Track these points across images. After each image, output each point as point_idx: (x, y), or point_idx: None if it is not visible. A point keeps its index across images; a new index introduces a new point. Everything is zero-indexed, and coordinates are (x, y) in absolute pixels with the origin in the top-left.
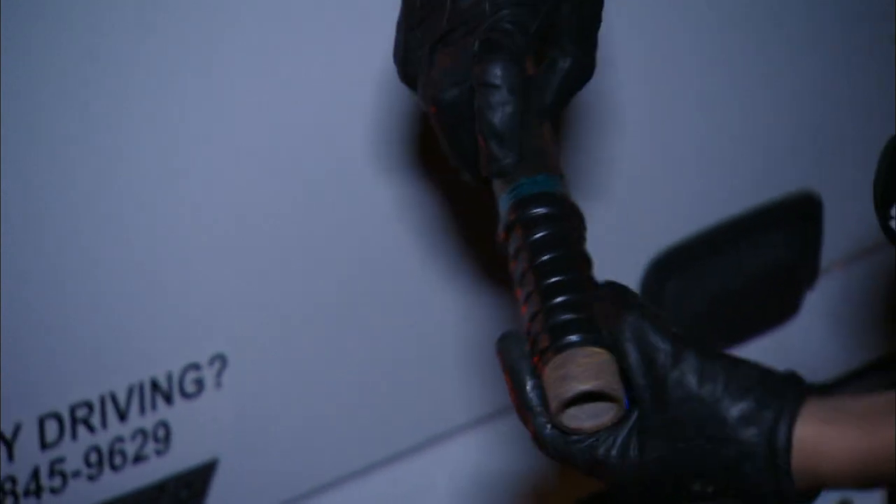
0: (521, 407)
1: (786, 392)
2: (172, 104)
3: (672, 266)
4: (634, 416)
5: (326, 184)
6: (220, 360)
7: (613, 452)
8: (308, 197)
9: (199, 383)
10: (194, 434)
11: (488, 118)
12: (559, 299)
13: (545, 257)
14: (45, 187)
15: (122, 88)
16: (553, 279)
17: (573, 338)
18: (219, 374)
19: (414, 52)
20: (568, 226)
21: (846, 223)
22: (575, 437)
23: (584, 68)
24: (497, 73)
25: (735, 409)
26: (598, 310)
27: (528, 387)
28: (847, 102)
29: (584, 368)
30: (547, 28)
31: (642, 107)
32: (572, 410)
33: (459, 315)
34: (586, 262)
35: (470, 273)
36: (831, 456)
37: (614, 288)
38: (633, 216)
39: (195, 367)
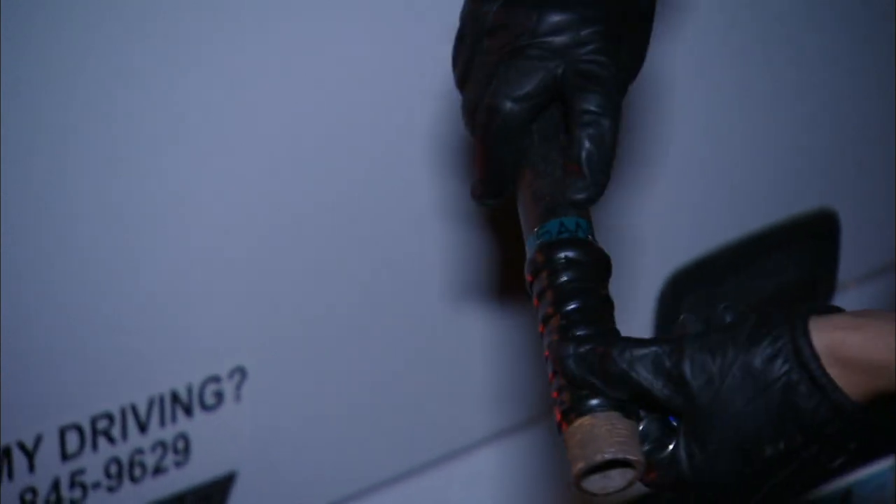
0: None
1: (789, 317)
2: (194, 112)
3: (689, 282)
4: (681, 427)
5: (348, 195)
6: (240, 372)
7: (684, 468)
8: (329, 209)
9: (219, 396)
10: (213, 446)
11: (588, 146)
12: None
13: (571, 306)
14: (66, 200)
15: (147, 96)
16: (580, 330)
17: (597, 401)
18: (238, 386)
19: (478, 60)
20: (593, 272)
21: (863, 241)
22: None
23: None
24: (600, 102)
25: (755, 357)
26: (595, 368)
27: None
28: (865, 120)
29: (612, 437)
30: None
31: (660, 125)
32: (593, 476)
33: (482, 327)
34: (608, 309)
35: (493, 287)
36: (871, 359)
37: (597, 339)
38: (651, 232)
39: (215, 379)
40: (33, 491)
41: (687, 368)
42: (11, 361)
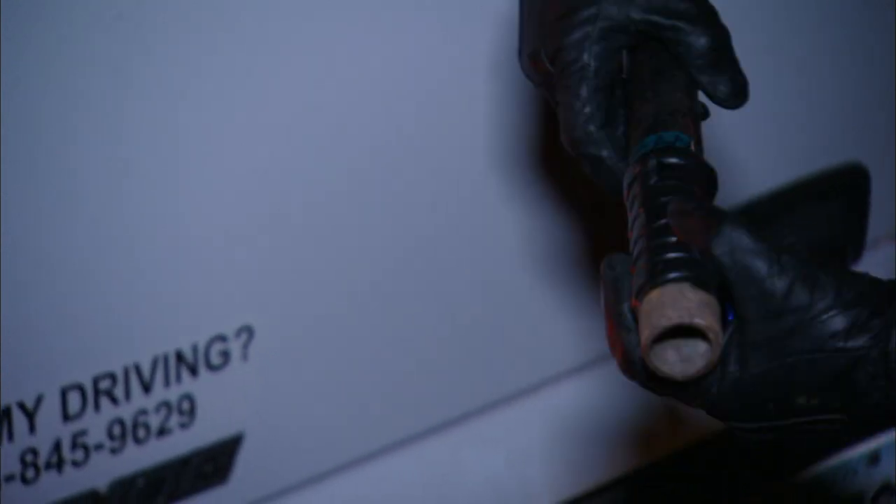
0: (614, 324)
1: (892, 303)
2: (208, 76)
3: None
4: (731, 328)
5: (362, 155)
6: (247, 331)
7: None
8: (344, 164)
9: (225, 355)
10: (220, 407)
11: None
12: (666, 238)
13: (658, 201)
14: (66, 162)
15: (152, 62)
16: (662, 221)
17: (673, 274)
18: (245, 346)
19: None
20: (692, 177)
21: (894, 196)
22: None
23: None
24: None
25: (846, 318)
26: (690, 229)
27: (626, 306)
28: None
29: (680, 303)
30: None
31: None
32: (664, 350)
33: (494, 289)
34: None
35: (510, 244)
36: None
37: (704, 206)
38: None
39: (221, 338)
40: (34, 452)
41: (781, 289)
42: (12, 320)
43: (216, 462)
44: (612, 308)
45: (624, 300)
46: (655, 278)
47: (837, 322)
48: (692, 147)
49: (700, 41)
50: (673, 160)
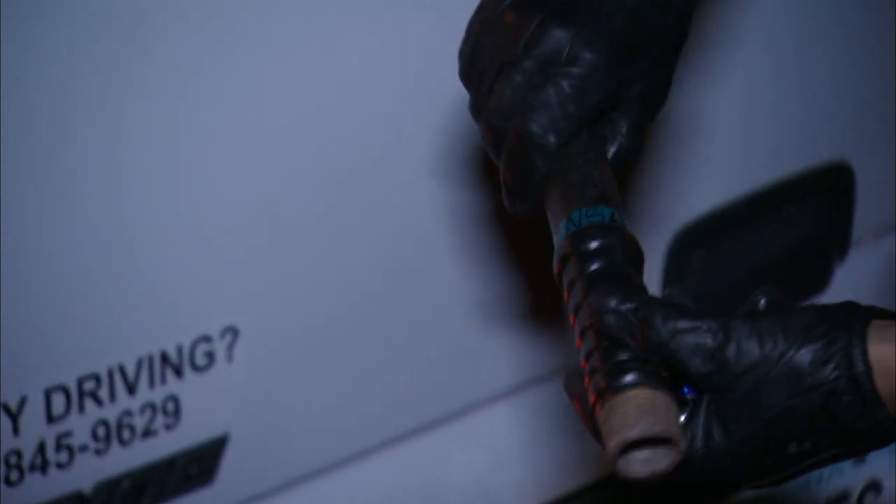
0: (597, 434)
1: (848, 319)
2: (204, 67)
3: (699, 237)
4: (704, 404)
5: (347, 157)
6: (232, 332)
7: (698, 445)
8: (327, 166)
9: (210, 356)
10: (205, 408)
11: (531, 129)
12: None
13: (601, 288)
14: (50, 157)
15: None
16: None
17: (629, 378)
18: (230, 346)
19: (481, 58)
20: (624, 259)
21: (879, 195)
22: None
23: (630, 154)
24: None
25: (805, 355)
26: (633, 331)
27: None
28: (881, 71)
29: (640, 412)
30: (608, 106)
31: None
32: (631, 454)
33: (484, 285)
34: (645, 293)
35: (499, 246)
36: None
37: (632, 304)
38: (660, 185)
39: (206, 339)
40: (18, 454)
41: (731, 353)
42: None
43: (201, 463)
44: (592, 425)
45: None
46: (612, 382)
47: (797, 361)
48: (622, 222)
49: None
50: (610, 243)
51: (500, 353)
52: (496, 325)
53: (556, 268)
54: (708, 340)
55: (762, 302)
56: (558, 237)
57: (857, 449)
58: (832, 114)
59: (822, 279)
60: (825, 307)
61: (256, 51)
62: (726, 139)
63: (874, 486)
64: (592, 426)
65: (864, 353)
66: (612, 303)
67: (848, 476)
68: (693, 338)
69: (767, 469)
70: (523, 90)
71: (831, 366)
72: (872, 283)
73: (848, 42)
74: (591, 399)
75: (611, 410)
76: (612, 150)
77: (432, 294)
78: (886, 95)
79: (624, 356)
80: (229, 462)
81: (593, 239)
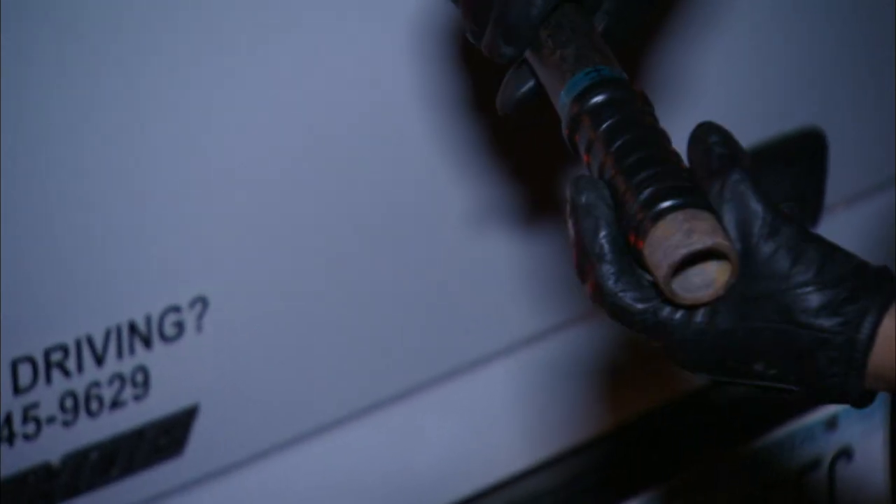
0: (585, 252)
1: (879, 285)
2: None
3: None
4: None
5: (316, 118)
6: (202, 302)
7: (678, 315)
8: (297, 132)
9: (180, 326)
10: (174, 379)
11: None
12: (646, 173)
13: (621, 140)
14: (14, 127)
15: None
16: (635, 156)
17: (670, 202)
18: (200, 316)
19: None
20: (637, 107)
21: (852, 161)
22: (640, 295)
23: (623, 26)
24: None
25: (822, 296)
26: (696, 167)
27: (602, 233)
28: (854, 36)
29: (691, 228)
30: None
31: (643, 43)
32: (684, 277)
33: (457, 254)
34: (665, 136)
35: (475, 208)
36: None
37: (718, 147)
38: None
39: (175, 309)
40: None
41: (765, 251)
42: None
43: (171, 435)
44: (587, 237)
45: (601, 229)
46: (652, 210)
47: (811, 299)
48: (622, 74)
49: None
50: (618, 94)
51: (474, 320)
52: (470, 292)
53: (566, 132)
54: (757, 225)
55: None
56: (563, 101)
57: (812, 395)
58: (805, 80)
59: None
60: (865, 266)
61: (220, 27)
62: (698, 105)
63: (846, 453)
64: (581, 239)
65: (875, 325)
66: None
67: (820, 443)
68: (749, 208)
69: (725, 370)
70: None
71: (838, 320)
72: (844, 247)
73: (821, 8)
74: (630, 237)
75: (656, 234)
76: (601, 26)
77: (405, 261)
78: (860, 62)
79: (660, 185)
80: (199, 433)
81: (600, 93)
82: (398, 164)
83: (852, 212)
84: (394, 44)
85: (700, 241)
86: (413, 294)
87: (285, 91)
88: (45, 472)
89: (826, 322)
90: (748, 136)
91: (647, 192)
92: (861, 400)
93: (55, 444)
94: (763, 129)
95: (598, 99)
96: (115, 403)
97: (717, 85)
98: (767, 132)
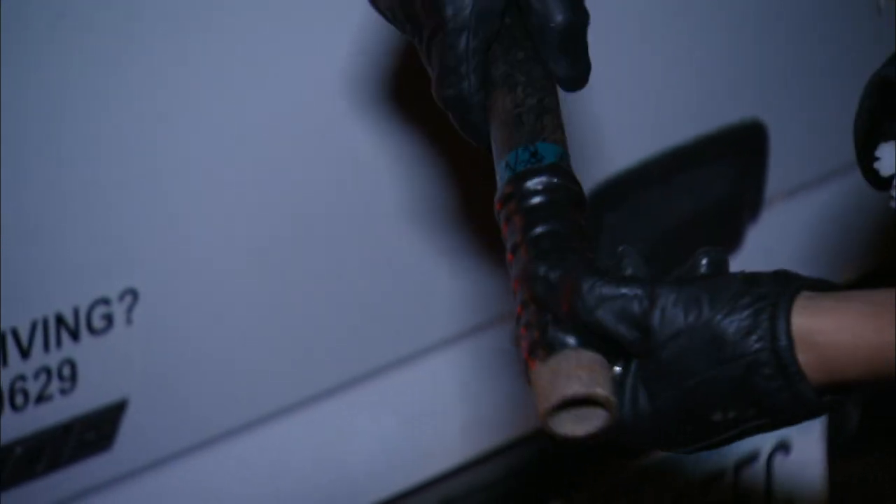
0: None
1: (777, 291)
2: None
3: (610, 198)
4: (633, 367)
5: (248, 110)
6: (132, 294)
7: (625, 408)
8: (235, 118)
9: (109, 319)
10: (103, 373)
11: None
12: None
13: (539, 231)
14: None
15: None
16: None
17: (563, 338)
18: (129, 309)
19: None
20: (567, 198)
21: (792, 154)
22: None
23: (562, 34)
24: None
25: (729, 325)
26: (556, 299)
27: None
28: (794, 28)
29: (576, 372)
30: None
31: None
32: (563, 414)
33: (389, 246)
34: (584, 237)
35: (408, 198)
36: (838, 347)
37: (563, 269)
38: (573, 144)
39: (104, 301)
40: None
41: (656, 320)
42: None
43: (99, 429)
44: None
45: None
46: (546, 339)
47: (721, 330)
48: (566, 161)
49: (558, 18)
50: (552, 182)
51: (404, 317)
52: (401, 289)
53: (496, 205)
54: (634, 307)
55: (703, 262)
56: (501, 173)
57: (782, 420)
58: (747, 72)
59: (734, 238)
60: (756, 276)
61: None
62: (638, 98)
63: (783, 447)
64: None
65: (788, 326)
66: (542, 269)
67: (757, 437)
68: (619, 304)
69: (690, 436)
70: None
71: (754, 337)
72: (784, 242)
73: (764, 1)
74: (524, 353)
75: (544, 369)
76: (540, 37)
77: (340, 253)
78: (802, 54)
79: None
80: (128, 427)
81: (535, 177)
82: (334, 158)
83: (793, 204)
84: (325, 45)
85: (579, 389)
86: (345, 291)
87: (218, 83)
88: None
89: (746, 344)
90: (688, 129)
91: (546, 324)
92: (828, 406)
93: None
94: (703, 123)
95: (533, 182)
96: (41, 397)
97: (660, 78)
98: (709, 125)
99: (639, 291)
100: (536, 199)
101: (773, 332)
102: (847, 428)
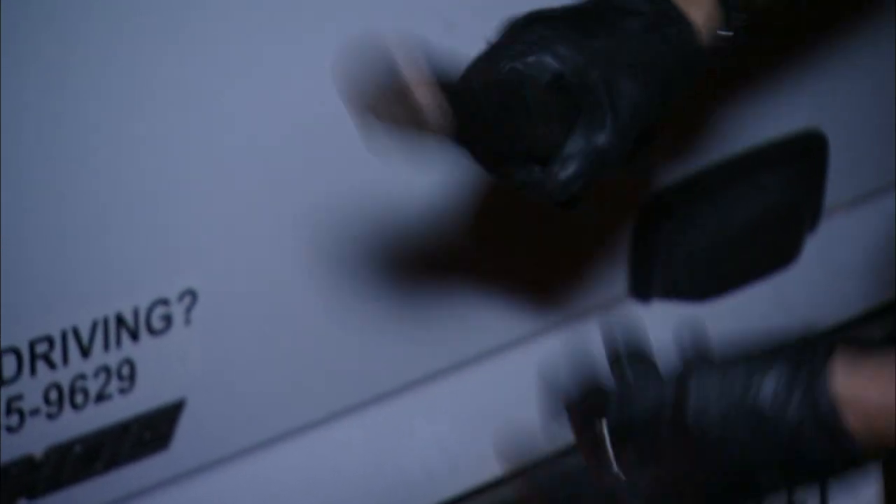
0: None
1: (811, 357)
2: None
3: (669, 206)
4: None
5: (306, 114)
6: (191, 295)
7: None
8: (286, 131)
9: (168, 319)
10: (161, 373)
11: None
12: None
13: None
14: (15, 120)
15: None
16: None
17: None
18: (188, 310)
19: None
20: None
21: (851, 164)
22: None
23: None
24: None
25: (767, 399)
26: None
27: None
28: (857, 41)
29: None
30: None
31: None
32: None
33: (441, 251)
34: None
35: (457, 221)
36: (881, 402)
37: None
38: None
39: (163, 302)
40: None
41: (690, 413)
42: None
43: (157, 429)
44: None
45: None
46: None
47: (762, 405)
48: None
49: None
50: None
51: (461, 322)
52: (457, 294)
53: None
54: (666, 404)
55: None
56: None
57: (832, 476)
58: (807, 82)
59: (793, 249)
60: (782, 347)
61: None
62: (698, 107)
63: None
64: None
65: (827, 389)
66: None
67: None
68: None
69: (739, 499)
70: None
71: (793, 407)
72: (842, 253)
73: (825, 11)
74: None
75: None
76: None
77: (397, 260)
78: (861, 65)
79: None
80: (185, 427)
81: None
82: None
83: (852, 215)
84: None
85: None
86: (404, 295)
87: (273, 89)
88: (27, 465)
89: (788, 414)
90: (749, 137)
91: None
92: (868, 458)
93: (39, 437)
94: (762, 132)
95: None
96: (101, 396)
97: (720, 87)
98: (767, 134)
99: (669, 391)
100: None
101: (814, 401)
102: None
